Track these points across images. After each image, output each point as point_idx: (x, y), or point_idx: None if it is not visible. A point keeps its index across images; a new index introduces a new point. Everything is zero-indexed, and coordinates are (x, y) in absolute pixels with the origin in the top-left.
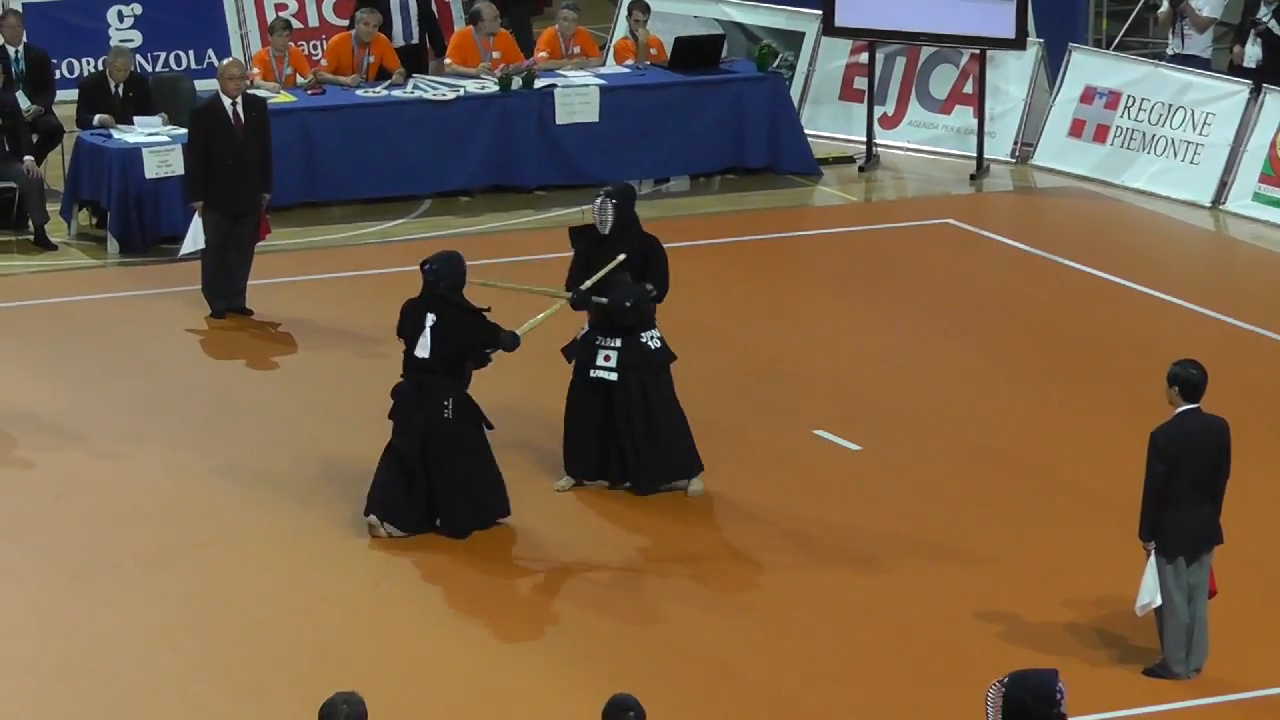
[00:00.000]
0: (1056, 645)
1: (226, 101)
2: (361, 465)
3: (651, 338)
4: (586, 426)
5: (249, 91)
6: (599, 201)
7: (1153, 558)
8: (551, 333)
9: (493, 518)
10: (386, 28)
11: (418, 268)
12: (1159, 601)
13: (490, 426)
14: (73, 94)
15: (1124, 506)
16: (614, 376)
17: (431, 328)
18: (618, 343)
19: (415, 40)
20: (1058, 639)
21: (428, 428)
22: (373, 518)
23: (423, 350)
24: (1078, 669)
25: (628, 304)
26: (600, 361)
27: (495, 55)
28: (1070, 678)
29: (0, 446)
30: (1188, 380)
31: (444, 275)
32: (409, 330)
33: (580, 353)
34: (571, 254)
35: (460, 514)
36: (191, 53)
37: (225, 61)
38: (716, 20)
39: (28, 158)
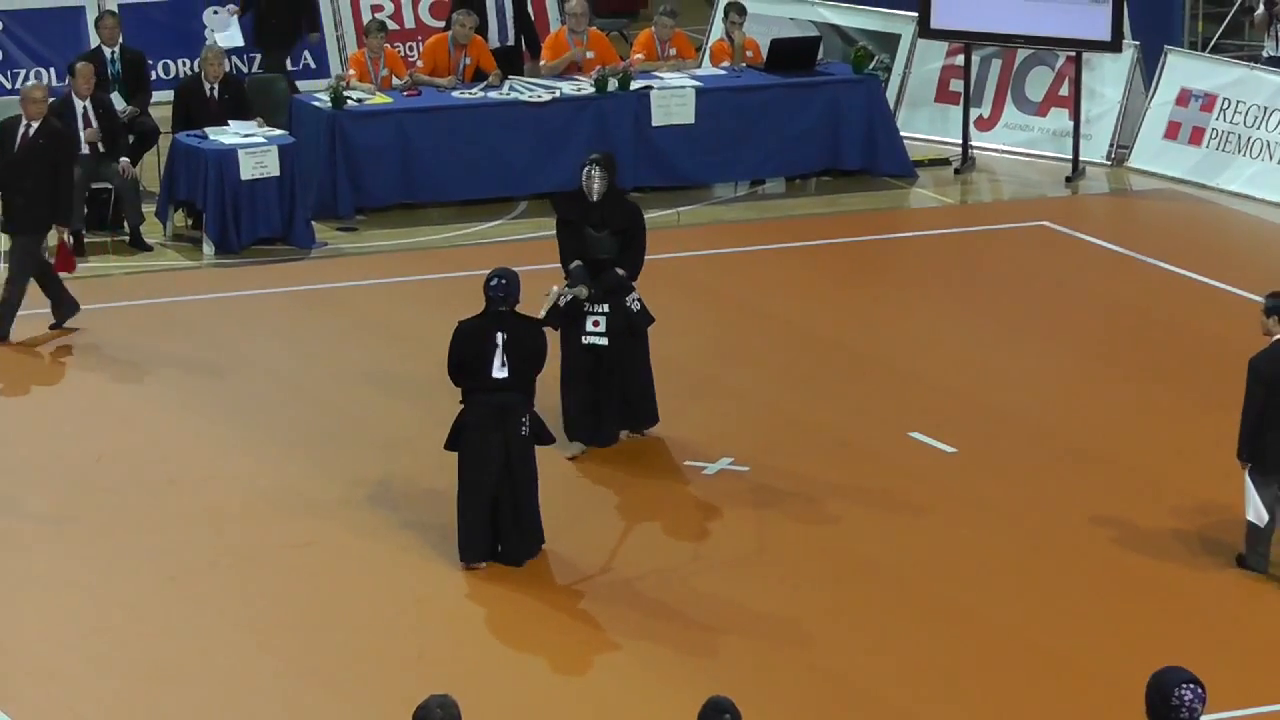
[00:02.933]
0: (1158, 653)
1: (24, 122)
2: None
3: (633, 301)
4: (585, 393)
5: (53, 121)
6: (587, 169)
7: (1249, 478)
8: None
9: (537, 545)
10: (483, 29)
11: (483, 285)
12: (1267, 517)
13: (553, 440)
14: (168, 95)
15: (1224, 507)
16: (605, 341)
17: (504, 346)
18: (605, 309)
19: (511, 42)
20: (1160, 644)
21: (507, 449)
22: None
23: (501, 371)
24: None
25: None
26: (590, 328)
27: (589, 55)
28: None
29: (95, 447)
30: None
31: (512, 291)
32: (474, 354)
33: (568, 320)
34: (556, 222)
35: (524, 538)
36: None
37: (29, 85)
38: (812, 22)
39: (123, 159)
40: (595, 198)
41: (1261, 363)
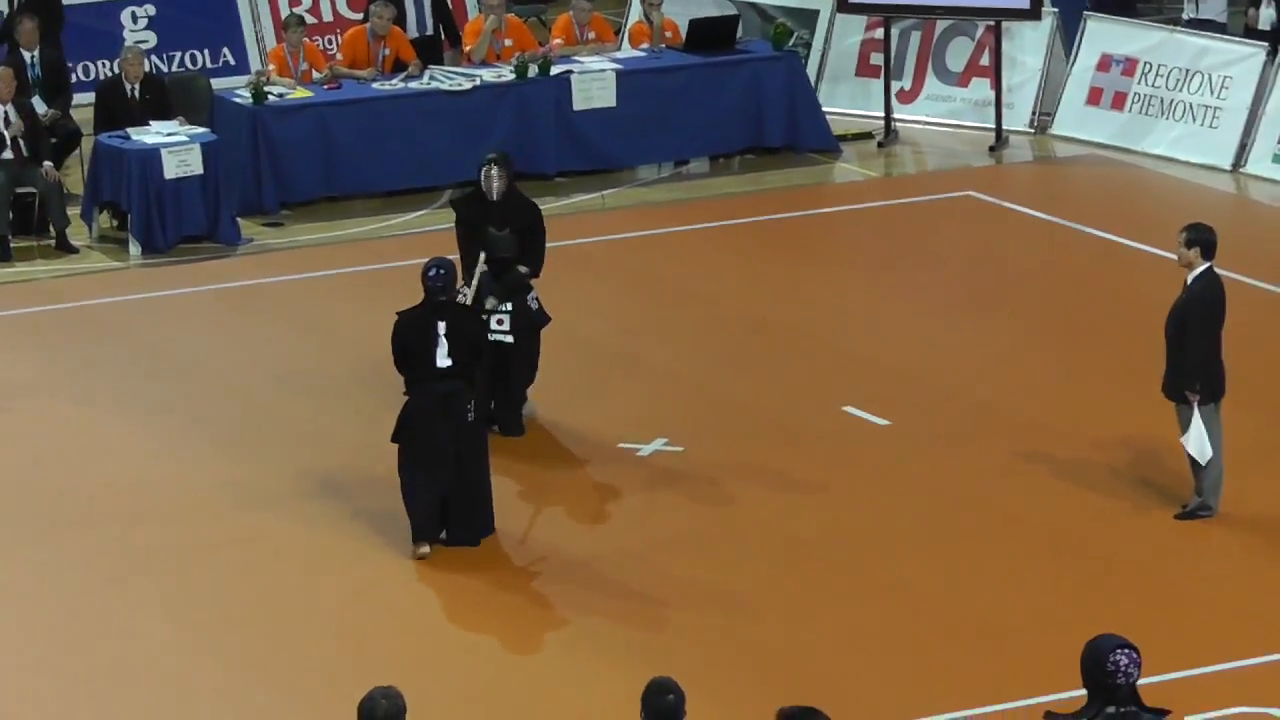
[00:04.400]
0: (1098, 619)
1: None
2: (394, 462)
3: (532, 299)
4: (483, 386)
5: None
6: (485, 169)
7: (1197, 411)
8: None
9: (489, 528)
10: (401, 20)
11: (421, 276)
12: (1210, 452)
13: (494, 425)
14: (89, 97)
15: (1161, 466)
16: (510, 339)
17: (445, 335)
18: (509, 307)
19: (430, 31)
20: (1101, 610)
21: (456, 436)
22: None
23: (444, 359)
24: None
25: (531, 305)
26: (494, 325)
27: (508, 43)
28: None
29: (29, 451)
30: (1210, 242)
31: (450, 281)
32: (417, 344)
33: None
34: (455, 224)
35: (475, 521)
36: (207, 52)
37: None
38: (731, 1)
39: (46, 163)
40: (495, 197)
41: (1217, 293)
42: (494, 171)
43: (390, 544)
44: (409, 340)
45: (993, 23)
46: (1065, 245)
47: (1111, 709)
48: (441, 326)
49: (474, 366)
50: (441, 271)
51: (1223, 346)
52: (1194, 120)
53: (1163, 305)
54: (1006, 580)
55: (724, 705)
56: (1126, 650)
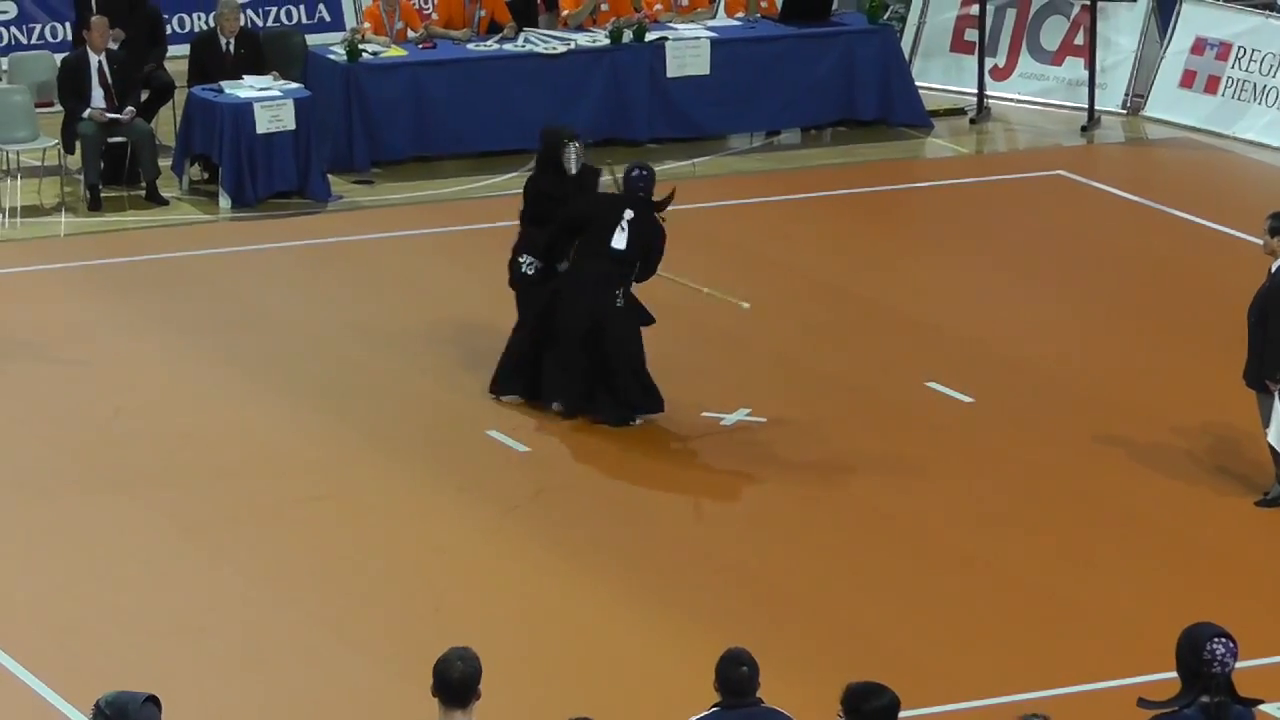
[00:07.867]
0: (1177, 602)
1: None
2: (476, 423)
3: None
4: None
5: None
6: (569, 145)
7: (1278, 400)
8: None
9: (655, 407)
10: None
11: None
12: None
13: (653, 320)
14: (183, 49)
15: (1240, 454)
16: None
17: (630, 222)
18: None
19: None
20: (1179, 595)
21: (597, 314)
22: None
23: (619, 242)
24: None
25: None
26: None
27: (604, 7)
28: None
29: (112, 401)
30: None
31: (650, 182)
32: (600, 220)
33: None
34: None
35: (618, 405)
36: (303, 7)
37: None
38: None
39: (128, 109)
40: (574, 170)
41: None
42: (575, 147)
43: (465, 506)
44: (594, 215)
45: (1088, 2)
46: (1154, 228)
47: (1205, 698)
48: (629, 214)
49: (644, 260)
50: (644, 173)
51: None
52: None
53: (1248, 292)
54: (1084, 561)
55: (796, 679)
56: (1223, 640)
